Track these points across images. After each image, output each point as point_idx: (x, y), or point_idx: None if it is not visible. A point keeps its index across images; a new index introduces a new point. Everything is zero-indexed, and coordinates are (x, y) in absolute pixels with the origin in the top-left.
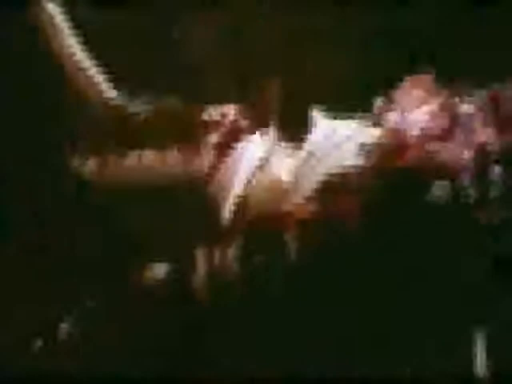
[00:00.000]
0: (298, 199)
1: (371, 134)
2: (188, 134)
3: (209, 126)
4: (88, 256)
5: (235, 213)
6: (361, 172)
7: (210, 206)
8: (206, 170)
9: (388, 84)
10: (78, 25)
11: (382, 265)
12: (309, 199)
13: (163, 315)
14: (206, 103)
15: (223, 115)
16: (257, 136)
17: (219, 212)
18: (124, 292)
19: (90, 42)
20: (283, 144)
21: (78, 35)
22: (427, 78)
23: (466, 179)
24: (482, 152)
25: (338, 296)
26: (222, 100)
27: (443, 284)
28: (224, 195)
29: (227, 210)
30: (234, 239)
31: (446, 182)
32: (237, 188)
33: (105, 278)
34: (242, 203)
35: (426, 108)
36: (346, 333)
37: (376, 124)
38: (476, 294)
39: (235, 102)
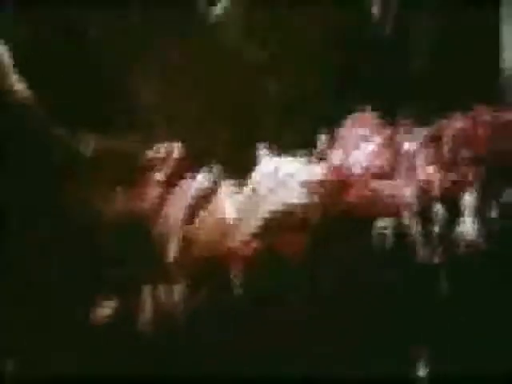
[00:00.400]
0: (242, 236)
1: (315, 171)
2: (133, 171)
3: (154, 164)
4: (35, 290)
5: (181, 250)
6: (305, 209)
7: (156, 243)
8: (151, 207)
9: (332, 121)
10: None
11: (327, 299)
12: (254, 236)
13: (109, 352)
14: (151, 141)
15: (168, 153)
16: (201, 173)
17: (165, 249)
18: (71, 327)
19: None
20: (228, 181)
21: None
22: (370, 116)
23: (408, 216)
24: (424, 189)
25: (280, 330)
26: (166, 138)
27: (385, 317)
28: (169, 232)
29: (173, 247)
30: (179, 276)
31: (388, 219)
32: (181, 225)
33: (52, 314)
34: (187, 240)
35: (368, 146)
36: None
37: (320, 161)
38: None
39: (180, 139)
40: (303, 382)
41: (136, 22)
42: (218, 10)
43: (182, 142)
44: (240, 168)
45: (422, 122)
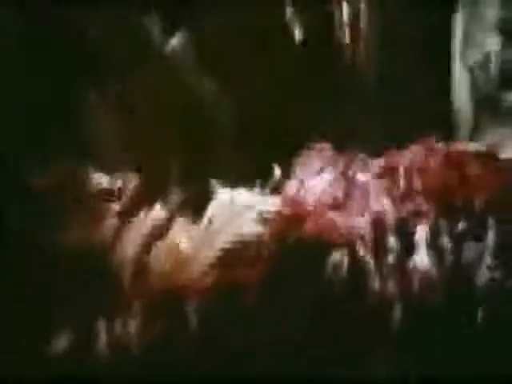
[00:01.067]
0: (199, 268)
1: (270, 202)
2: (90, 202)
3: (110, 195)
4: None
5: (136, 282)
6: (259, 240)
7: (112, 276)
8: (107, 238)
9: (288, 153)
10: None
11: (284, 330)
12: (210, 267)
13: None
14: (109, 172)
15: (125, 184)
16: (158, 205)
17: (121, 281)
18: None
19: None
20: (184, 212)
21: None
22: (325, 147)
23: (362, 247)
24: (378, 221)
25: (234, 363)
26: (124, 169)
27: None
28: (125, 264)
29: (128, 280)
30: (135, 309)
31: (343, 250)
32: (137, 257)
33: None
34: (143, 272)
35: (323, 177)
36: None
37: (275, 193)
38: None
39: (137, 171)
40: None
41: (95, 49)
42: (173, 41)
43: (139, 173)
44: (196, 200)
45: (376, 153)
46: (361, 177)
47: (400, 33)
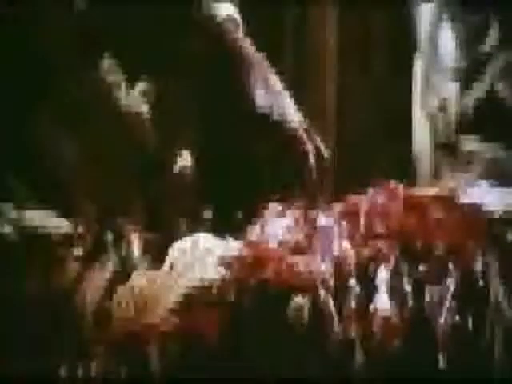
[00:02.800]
0: (160, 312)
1: (231, 246)
2: (50, 246)
3: (73, 239)
4: None
5: (98, 326)
6: (221, 285)
7: (73, 321)
8: (69, 283)
9: (248, 196)
10: None
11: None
12: (171, 312)
13: None
14: (71, 216)
15: (86, 228)
16: (121, 249)
17: (82, 325)
18: None
19: None
20: (145, 257)
21: None
22: (286, 191)
23: (324, 292)
24: (339, 265)
25: None
26: (86, 213)
27: None
28: (87, 308)
29: (89, 324)
30: (96, 352)
31: (304, 296)
32: (99, 300)
33: None
34: (105, 316)
35: (283, 221)
36: None
37: (236, 237)
38: None
39: (100, 214)
40: None
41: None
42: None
43: (101, 216)
44: (158, 243)
45: (337, 197)
46: (322, 220)
47: (360, 76)
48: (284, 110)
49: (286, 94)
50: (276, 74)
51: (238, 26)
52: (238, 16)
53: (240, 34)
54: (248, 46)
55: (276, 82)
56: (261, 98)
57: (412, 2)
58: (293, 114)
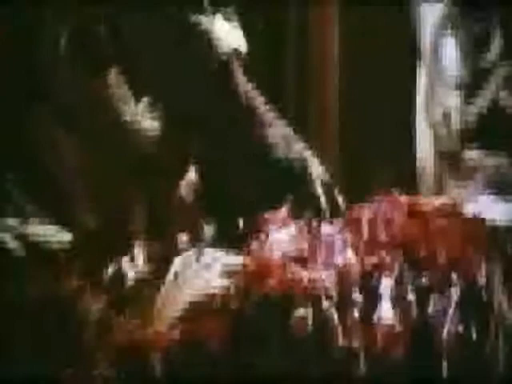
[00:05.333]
0: (166, 320)
1: (236, 257)
2: (55, 258)
3: (76, 251)
4: None
5: (101, 334)
6: (226, 293)
7: (77, 329)
8: (72, 291)
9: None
10: None
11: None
12: (176, 320)
13: None
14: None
15: (89, 240)
16: (126, 259)
17: (86, 334)
18: None
19: None
20: (151, 266)
21: None
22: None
23: (327, 300)
24: (342, 274)
25: None
26: (90, 225)
27: None
28: (90, 317)
29: (93, 332)
30: (100, 360)
31: (307, 303)
32: (103, 309)
33: None
34: (108, 325)
35: (286, 231)
36: None
37: (240, 247)
38: None
39: (99, 221)
40: None
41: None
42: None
43: (104, 228)
44: (162, 255)
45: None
46: (326, 229)
47: (364, 87)
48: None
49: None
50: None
51: (241, 59)
52: (243, 47)
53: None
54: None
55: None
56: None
57: (415, 15)
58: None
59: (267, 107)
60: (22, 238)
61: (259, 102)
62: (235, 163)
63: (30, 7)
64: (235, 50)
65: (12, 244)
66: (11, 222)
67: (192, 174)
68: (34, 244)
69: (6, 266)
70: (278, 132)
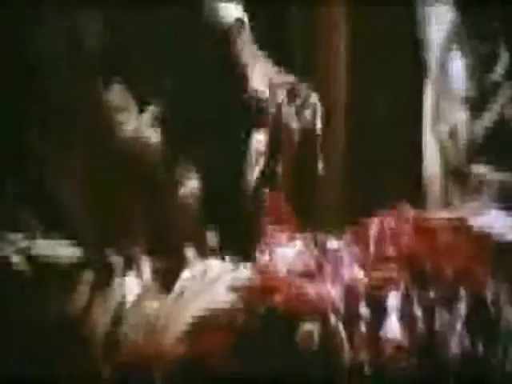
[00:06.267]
0: (170, 337)
1: (241, 273)
2: (62, 271)
3: (82, 266)
4: None
5: (107, 350)
6: (231, 310)
7: (84, 343)
8: (80, 308)
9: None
10: None
11: None
12: (181, 336)
13: None
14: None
15: (97, 254)
16: (131, 274)
17: (93, 350)
18: None
19: None
20: (155, 283)
21: None
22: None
23: (334, 316)
24: (349, 289)
25: None
26: (95, 240)
27: None
28: (96, 333)
29: (99, 348)
30: (105, 375)
31: (314, 321)
32: (109, 326)
33: None
34: (115, 340)
35: (294, 245)
36: None
37: (246, 261)
38: None
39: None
40: None
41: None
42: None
43: (111, 243)
44: (168, 270)
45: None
46: (332, 244)
47: (371, 100)
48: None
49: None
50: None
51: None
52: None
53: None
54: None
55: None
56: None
57: (423, 31)
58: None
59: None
60: (27, 253)
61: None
62: (238, 171)
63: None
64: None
65: (16, 259)
66: (16, 237)
67: (194, 183)
68: (39, 259)
69: (11, 282)
70: None
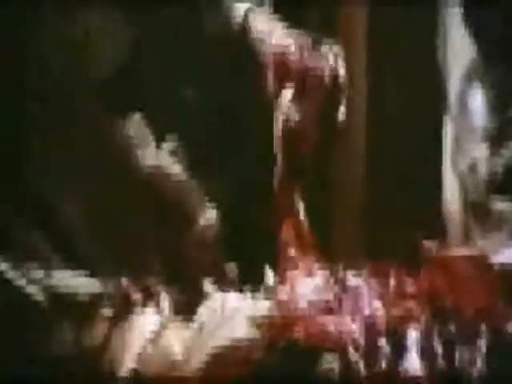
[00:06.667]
0: (189, 370)
1: (261, 306)
2: (81, 307)
3: (102, 299)
4: None
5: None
6: (251, 343)
7: (103, 378)
8: (99, 342)
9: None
10: None
11: None
12: (200, 369)
13: None
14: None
15: (117, 288)
16: (150, 308)
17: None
18: None
19: None
20: (176, 316)
21: None
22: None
23: (354, 352)
24: (369, 324)
25: None
26: (113, 273)
27: None
28: (116, 367)
29: (119, 382)
30: None
31: (334, 355)
32: (129, 360)
33: None
34: (134, 375)
35: (312, 281)
36: None
37: (266, 296)
38: None
39: (128, 274)
40: None
41: None
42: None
43: (129, 276)
44: (188, 303)
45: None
46: (352, 280)
47: (391, 134)
48: None
49: None
50: None
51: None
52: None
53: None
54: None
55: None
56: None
57: (443, 66)
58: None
59: None
60: (43, 284)
61: None
62: (256, 202)
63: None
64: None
65: (33, 290)
66: (33, 267)
67: (211, 215)
68: (56, 290)
69: (27, 313)
70: None
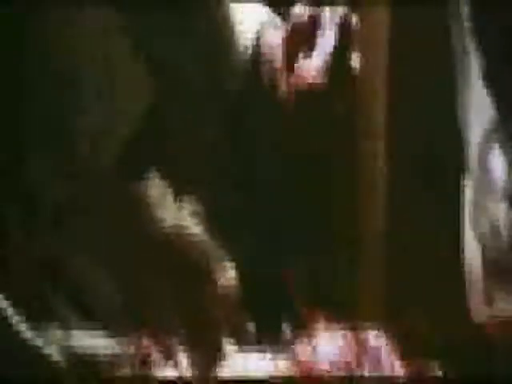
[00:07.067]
0: None
1: (281, 367)
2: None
3: (120, 360)
4: None
5: None
6: None
7: None
8: None
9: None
10: None
11: None
12: None
13: None
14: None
15: (136, 347)
16: (168, 367)
17: None
18: None
19: None
20: (194, 375)
21: None
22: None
23: None
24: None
25: None
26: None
27: None
28: None
29: None
30: None
31: None
32: None
33: None
34: None
35: (334, 341)
36: None
37: (285, 355)
38: None
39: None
40: None
41: None
42: None
43: (149, 336)
44: (206, 362)
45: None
46: (373, 342)
47: (410, 200)
48: None
49: None
50: None
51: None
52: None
53: None
54: None
55: None
56: None
57: (462, 125)
58: None
59: None
60: (60, 344)
61: None
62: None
63: None
64: None
65: (50, 350)
66: (49, 327)
67: (231, 274)
68: (74, 350)
69: (44, 374)
70: None
